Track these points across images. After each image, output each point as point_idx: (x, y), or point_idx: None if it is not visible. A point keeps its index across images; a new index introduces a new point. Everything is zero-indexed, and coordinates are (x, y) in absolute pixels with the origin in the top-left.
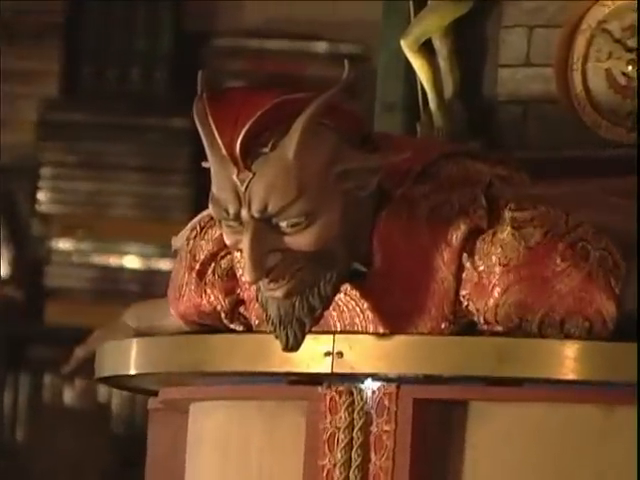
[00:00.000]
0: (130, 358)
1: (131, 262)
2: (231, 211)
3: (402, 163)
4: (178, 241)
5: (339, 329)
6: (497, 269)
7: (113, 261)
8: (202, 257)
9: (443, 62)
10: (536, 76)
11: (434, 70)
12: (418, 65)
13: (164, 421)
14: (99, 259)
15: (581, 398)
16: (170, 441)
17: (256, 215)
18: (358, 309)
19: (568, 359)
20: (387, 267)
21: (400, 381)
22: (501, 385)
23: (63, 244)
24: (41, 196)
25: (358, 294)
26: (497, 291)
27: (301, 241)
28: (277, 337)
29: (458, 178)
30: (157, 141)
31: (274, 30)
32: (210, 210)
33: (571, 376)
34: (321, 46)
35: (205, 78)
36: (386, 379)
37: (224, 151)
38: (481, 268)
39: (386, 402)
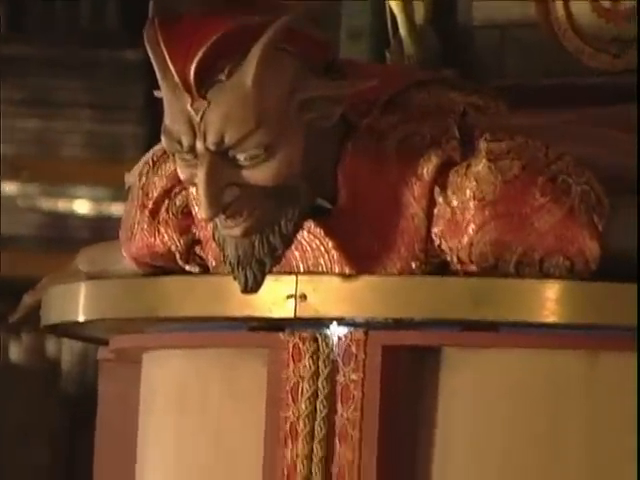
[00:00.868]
0: (78, 304)
1: (81, 207)
2: (185, 143)
3: (369, 92)
4: (131, 177)
5: (302, 270)
6: (471, 204)
7: (62, 205)
8: (155, 194)
9: None
10: None
11: None
12: None
13: (115, 373)
14: (47, 204)
15: (562, 344)
16: (122, 395)
17: (212, 147)
18: (322, 248)
19: (548, 301)
20: (353, 203)
21: (368, 327)
22: (476, 330)
23: (8, 187)
24: None
25: (322, 232)
26: (472, 228)
27: (260, 175)
28: (235, 278)
29: (429, 108)
30: (109, 76)
31: None
32: (163, 143)
33: (551, 319)
34: None
35: (157, 2)
36: (353, 324)
37: (177, 78)
38: (454, 203)
39: (353, 349)
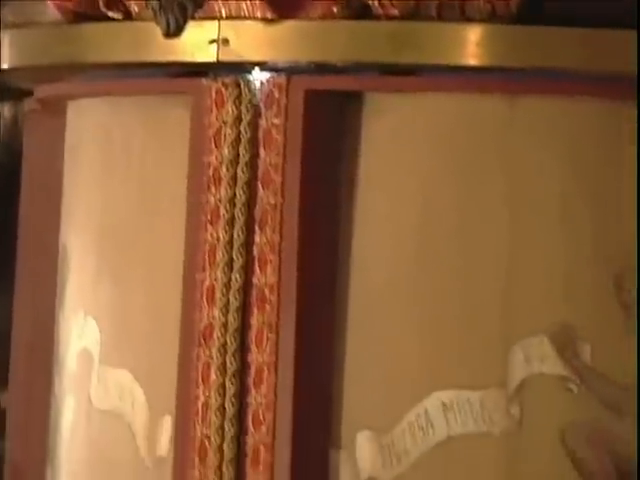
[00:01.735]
0: (3, 52)
1: None
2: None
3: None
4: None
5: (225, 15)
6: None
7: None
8: None
9: None
10: None
11: None
12: None
13: (41, 125)
14: None
15: (483, 87)
16: (47, 146)
17: None
18: None
19: (469, 43)
20: None
21: (290, 71)
22: (398, 75)
23: None
24: None
25: None
26: None
27: None
28: (158, 23)
29: None
30: None
31: None
32: None
33: (472, 62)
34: None
35: None
36: (275, 69)
37: None
38: None
39: (276, 94)
